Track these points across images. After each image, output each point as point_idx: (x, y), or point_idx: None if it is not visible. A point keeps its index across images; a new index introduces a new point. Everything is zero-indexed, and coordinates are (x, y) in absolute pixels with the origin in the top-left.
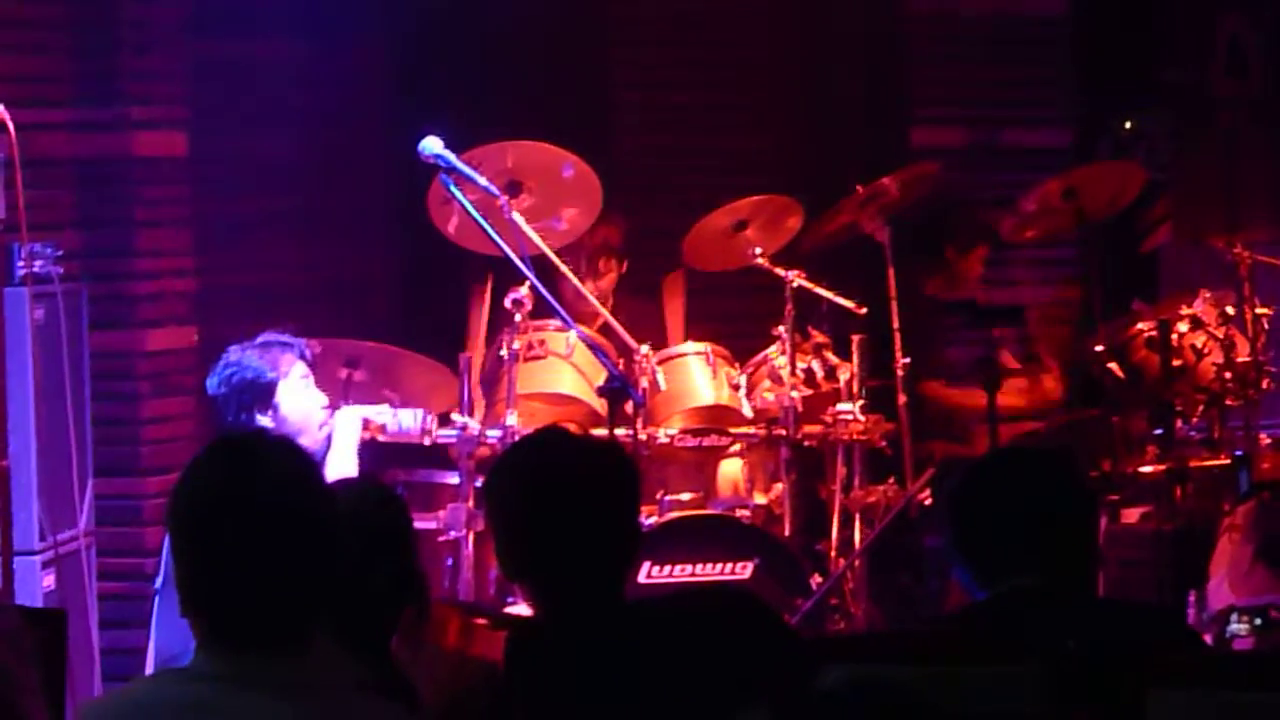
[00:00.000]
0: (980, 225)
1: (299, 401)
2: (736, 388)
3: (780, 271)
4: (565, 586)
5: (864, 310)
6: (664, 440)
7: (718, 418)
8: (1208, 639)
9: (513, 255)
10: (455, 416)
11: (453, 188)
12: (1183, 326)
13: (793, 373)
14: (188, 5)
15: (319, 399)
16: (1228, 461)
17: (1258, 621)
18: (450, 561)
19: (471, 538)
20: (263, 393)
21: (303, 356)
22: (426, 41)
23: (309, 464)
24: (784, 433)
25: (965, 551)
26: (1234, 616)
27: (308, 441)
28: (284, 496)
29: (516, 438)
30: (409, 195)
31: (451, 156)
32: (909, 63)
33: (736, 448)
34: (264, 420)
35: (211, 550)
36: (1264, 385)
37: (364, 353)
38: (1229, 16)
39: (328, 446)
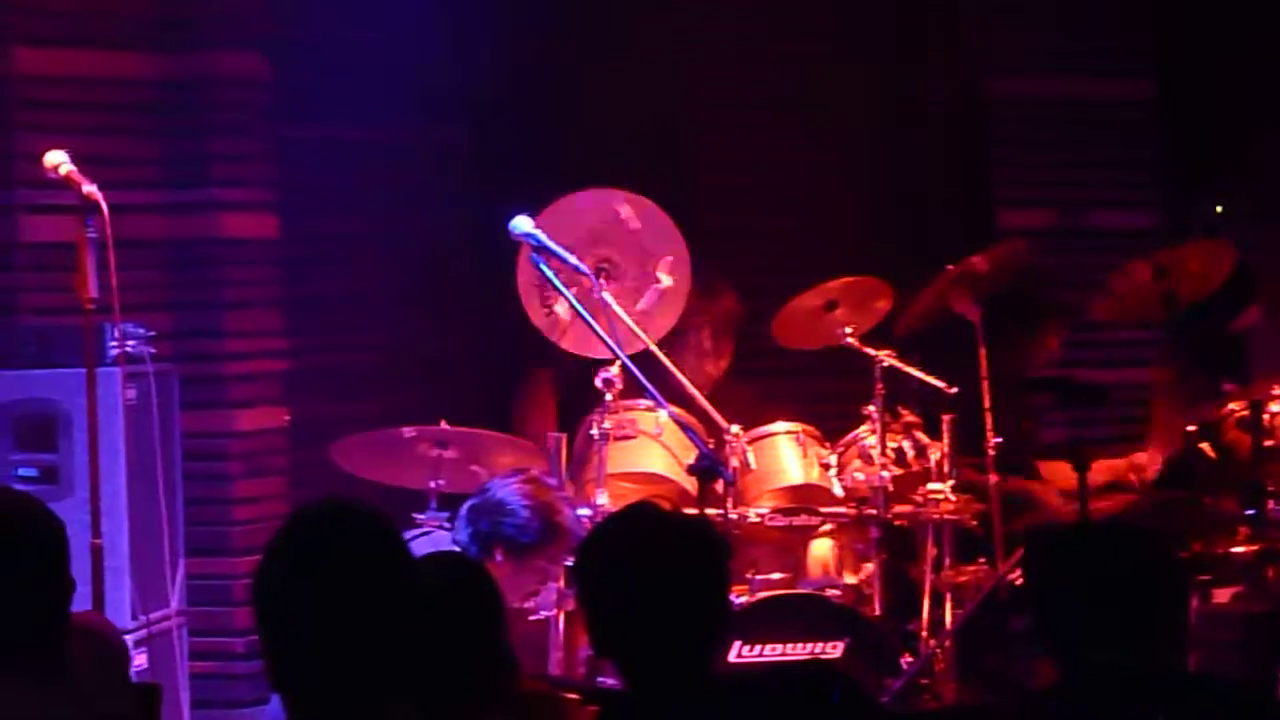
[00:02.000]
0: (1057, 305)
1: (520, 583)
2: (827, 467)
3: (870, 351)
4: (655, 663)
5: (954, 390)
6: (754, 520)
7: (808, 497)
8: None
9: (603, 334)
10: None
11: (543, 266)
12: (1274, 407)
13: (883, 452)
14: (276, 90)
15: (527, 590)
16: None
17: None
18: None
19: (562, 617)
20: (511, 547)
21: (565, 554)
22: (512, 123)
23: (391, 539)
24: (874, 512)
25: (1053, 626)
26: None
27: None
28: (360, 576)
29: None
30: (495, 275)
31: (542, 235)
32: (995, 145)
33: (827, 527)
34: (483, 557)
35: (288, 629)
36: None
37: (454, 437)
38: None
39: None
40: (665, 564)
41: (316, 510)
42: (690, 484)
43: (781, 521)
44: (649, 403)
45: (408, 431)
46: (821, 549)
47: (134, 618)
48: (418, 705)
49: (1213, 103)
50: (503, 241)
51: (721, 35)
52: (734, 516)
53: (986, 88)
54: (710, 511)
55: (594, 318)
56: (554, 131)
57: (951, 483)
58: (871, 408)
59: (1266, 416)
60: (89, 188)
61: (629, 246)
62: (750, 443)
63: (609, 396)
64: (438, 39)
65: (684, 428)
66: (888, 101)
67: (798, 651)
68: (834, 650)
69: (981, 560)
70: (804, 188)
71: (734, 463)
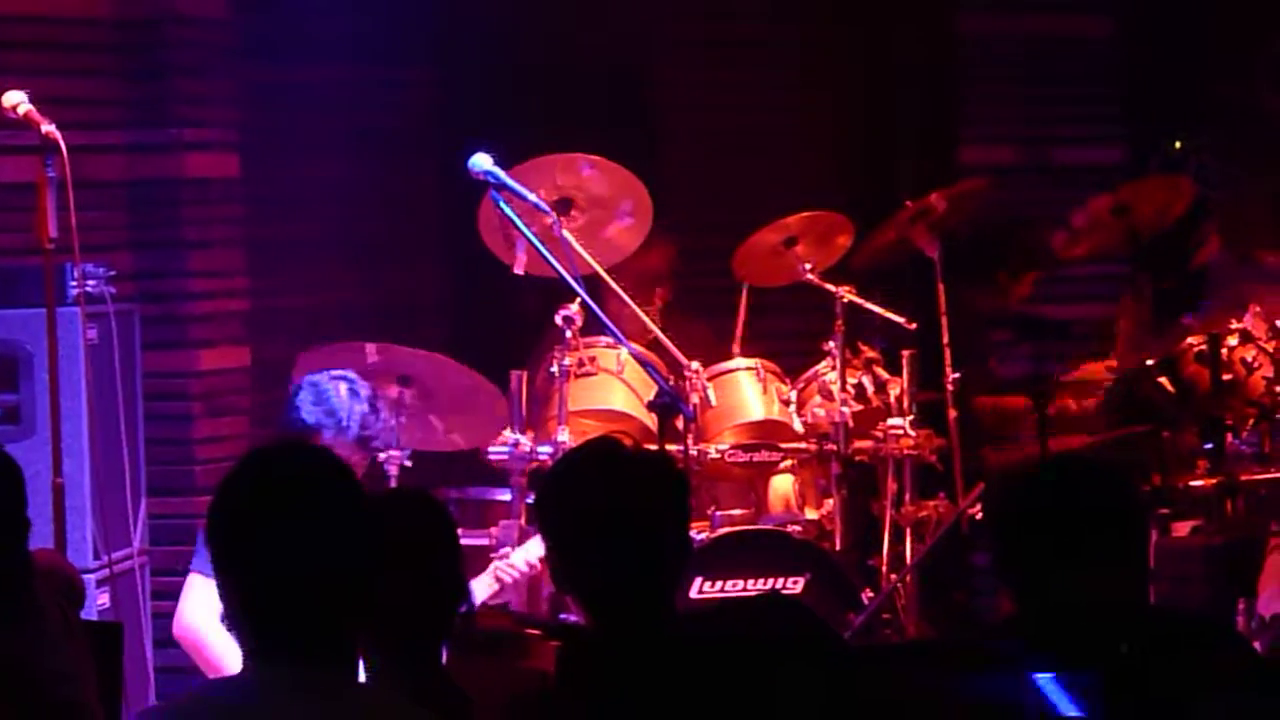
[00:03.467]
0: (1033, 248)
1: None
2: (787, 403)
3: (831, 287)
4: (616, 598)
5: (914, 325)
6: (715, 456)
7: (769, 433)
8: (1258, 647)
9: (564, 272)
10: (507, 433)
11: (503, 204)
12: (1233, 340)
13: (843, 388)
14: (239, 29)
15: None
16: (1279, 475)
17: None
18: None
19: None
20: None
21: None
22: (475, 65)
23: (346, 477)
24: (835, 448)
25: (1012, 560)
26: None
27: None
28: (315, 514)
29: None
30: (459, 218)
31: (501, 173)
32: (960, 82)
33: (788, 463)
34: None
35: (243, 563)
36: None
37: (418, 367)
38: (1277, 33)
39: None
40: (626, 499)
41: (271, 450)
42: (651, 420)
43: (742, 457)
44: (609, 339)
45: (370, 353)
46: (782, 485)
47: (96, 557)
48: (377, 643)
49: (1174, 39)
50: (467, 183)
51: None
52: (695, 453)
53: (951, 24)
54: (671, 448)
55: (553, 254)
56: (518, 72)
57: (911, 418)
58: (832, 343)
59: (1225, 350)
60: (48, 127)
61: (591, 196)
62: (710, 379)
63: (569, 333)
64: None
65: (644, 364)
66: (853, 39)
67: (759, 587)
68: (795, 586)
69: (941, 495)
70: (767, 124)
71: (694, 399)
